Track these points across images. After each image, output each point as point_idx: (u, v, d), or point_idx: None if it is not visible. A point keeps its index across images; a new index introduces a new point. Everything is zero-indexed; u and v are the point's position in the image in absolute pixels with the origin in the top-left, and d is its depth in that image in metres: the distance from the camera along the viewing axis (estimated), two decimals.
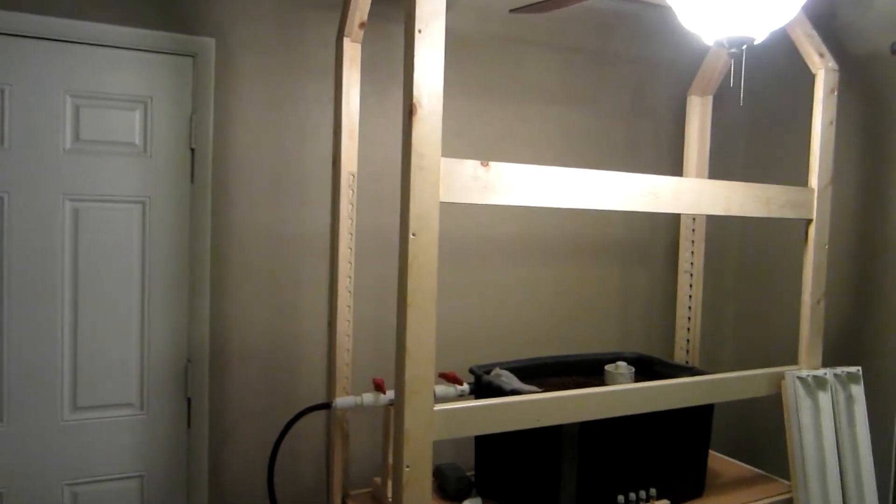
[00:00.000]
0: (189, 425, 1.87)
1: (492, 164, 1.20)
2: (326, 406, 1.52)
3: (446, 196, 1.16)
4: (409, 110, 1.13)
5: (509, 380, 1.65)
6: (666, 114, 2.49)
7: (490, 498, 1.61)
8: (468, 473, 1.71)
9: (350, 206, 1.63)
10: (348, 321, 1.60)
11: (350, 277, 1.61)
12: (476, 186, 1.19)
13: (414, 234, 1.13)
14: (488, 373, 1.70)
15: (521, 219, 2.27)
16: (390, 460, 1.44)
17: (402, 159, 1.16)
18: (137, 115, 1.80)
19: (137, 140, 1.80)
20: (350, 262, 1.62)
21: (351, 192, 1.63)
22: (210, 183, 1.86)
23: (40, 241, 1.69)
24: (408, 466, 1.15)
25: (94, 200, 1.75)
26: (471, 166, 1.19)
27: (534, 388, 1.61)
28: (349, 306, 1.61)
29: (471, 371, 1.73)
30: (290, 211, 1.95)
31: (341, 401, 1.51)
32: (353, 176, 1.63)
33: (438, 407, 1.24)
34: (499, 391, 1.51)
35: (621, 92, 2.42)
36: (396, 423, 1.18)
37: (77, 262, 1.74)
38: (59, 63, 1.72)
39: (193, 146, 1.84)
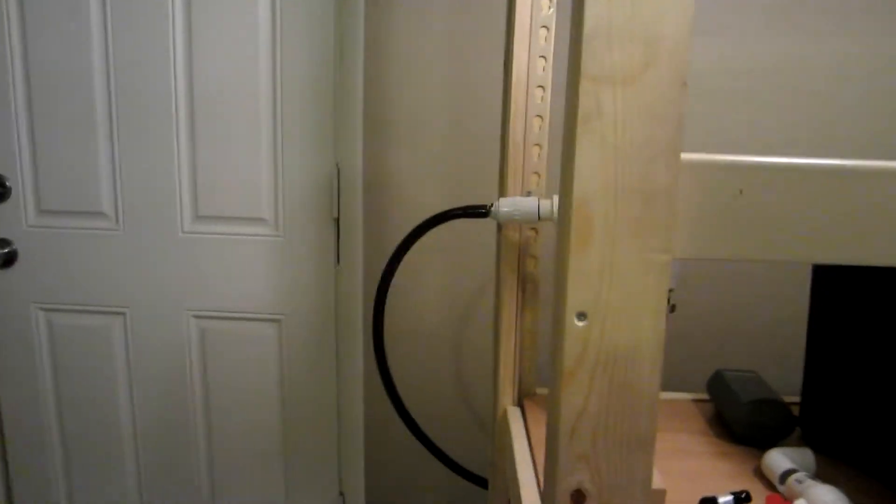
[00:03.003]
0: (338, 260, 1.31)
1: None
2: (480, 212, 0.77)
3: None
4: None
5: None
6: None
7: (830, 453, 0.74)
8: (788, 401, 0.84)
9: None
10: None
11: None
12: None
13: None
14: None
15: None
16: None
17: None
18: None
19: None
20: None
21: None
22: None
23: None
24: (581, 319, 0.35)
25: None
26: None
27: None
28: None
29: None
30: None
31: (507, 204, 0.75)
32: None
33: None
34: None
35: None
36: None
37: (190, 26, 1.24)
38: None
39: None
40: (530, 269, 0.87)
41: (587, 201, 0.39)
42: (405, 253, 0.80)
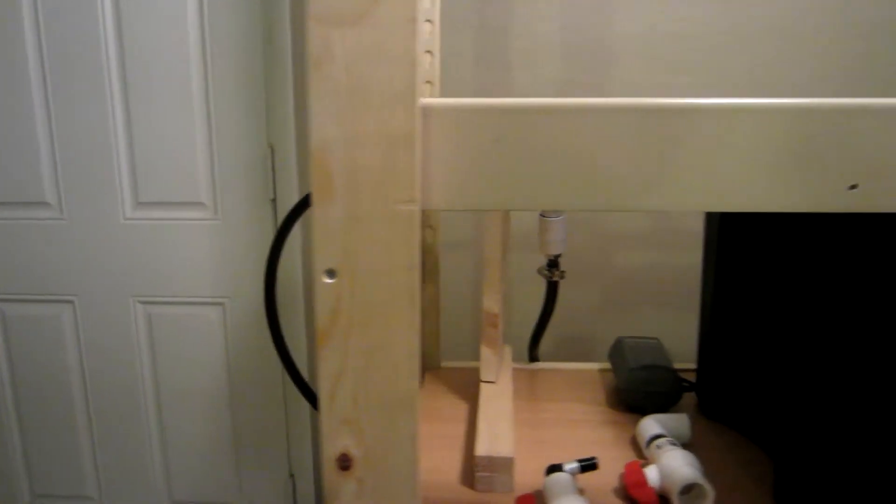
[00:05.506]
0: None
1: None
2: None
3: None
4: None
5: None
6: None
7: (723, 420, 0.71)
8: (678, 368, 0.81)
9: None
10: None
11: None
12: None
13: None
14: None
15: None
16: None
17: None
18: None
19: None
20: None
21: None
22: None
23: None
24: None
25: None
26: None
27: None
28: None
29: None
30: None
31: None
32: None
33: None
34: None
35: None
36: None
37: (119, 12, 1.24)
38: None
39: None
40: (428, 241, 0.85)
41: (326, 151, 0.37)
42: (284, 240, 0.78)
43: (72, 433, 1.41)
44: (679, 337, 1.19)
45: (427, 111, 0.38)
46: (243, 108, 1.26)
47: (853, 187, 0.36)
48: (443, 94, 1.10)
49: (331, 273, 0.38)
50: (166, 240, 1.32)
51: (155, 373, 1.38)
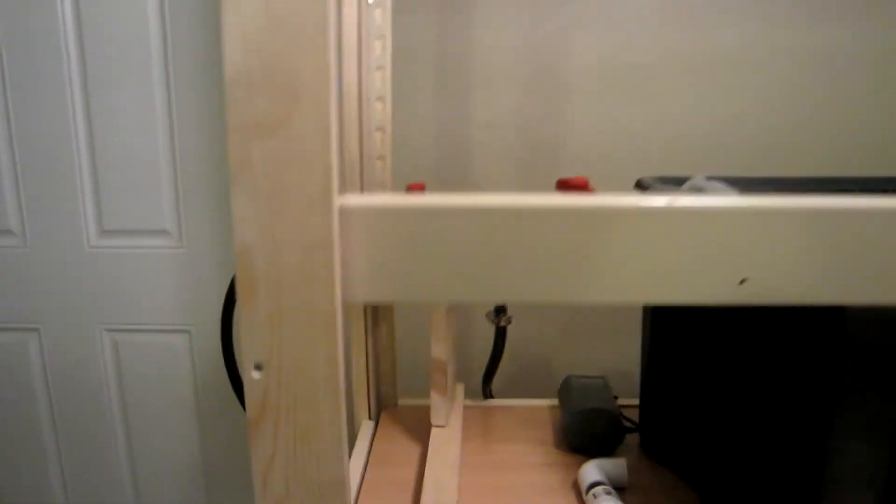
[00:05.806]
0: None
1: None
2: None
3: None
4: None
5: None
6: None
7: (665, 462, 0.73)
8: (629, 405, 0.83)
9: None
10: None
11: None
12: None
13: None
14: (680, 183, 0.75)
15: None
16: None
17: None
18: None
19: None
20: None
21: None
22: None
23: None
24: None
25: None
26: None
27: None
28: None
29: (638, 185, 0.80)
30: None
31: None
32: None
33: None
34: None
35: None
36: None
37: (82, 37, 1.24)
38: None
39: None
40: None
41: (248, 252, 0.39)
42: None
43: (40, 462, 1.41)
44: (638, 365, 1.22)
45: (344, 211, 0.39)
46: (207, 135, 1.26)
47: (743, 282, 0.39)
48: (396, 137, 1.11)
49: (258, 367, 0.40)
50: (132, 268, 1.32)
51: (123, 400, 1.38)
